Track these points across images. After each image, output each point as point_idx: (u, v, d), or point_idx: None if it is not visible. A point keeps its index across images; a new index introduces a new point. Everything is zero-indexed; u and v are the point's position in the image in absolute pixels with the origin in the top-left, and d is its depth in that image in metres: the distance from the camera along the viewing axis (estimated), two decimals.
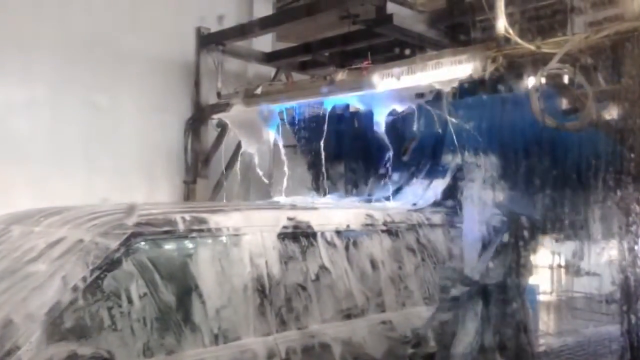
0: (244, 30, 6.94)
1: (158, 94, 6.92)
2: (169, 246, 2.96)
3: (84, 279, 2.65)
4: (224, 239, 3.11)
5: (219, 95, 6.92)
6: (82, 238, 2.81)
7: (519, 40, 4.18)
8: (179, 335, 2.83)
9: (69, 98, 6.21)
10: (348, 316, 3.44)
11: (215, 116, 6.84)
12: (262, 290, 3.15)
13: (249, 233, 3.20)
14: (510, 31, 4.25)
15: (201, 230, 3.05)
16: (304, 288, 3.32)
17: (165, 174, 6.96)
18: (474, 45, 4.62)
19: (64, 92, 6.18)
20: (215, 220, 3.12)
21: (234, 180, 6.83)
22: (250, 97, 6.49)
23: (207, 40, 7.04)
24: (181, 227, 2.99)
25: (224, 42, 7.04)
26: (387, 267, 3.67)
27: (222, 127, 6.90)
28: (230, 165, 6.92)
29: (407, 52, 6.18)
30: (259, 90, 6.64)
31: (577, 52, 4.03)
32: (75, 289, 2.61)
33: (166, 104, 6.95)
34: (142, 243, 2.85)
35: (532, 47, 4.14)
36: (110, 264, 2.73)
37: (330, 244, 3.49)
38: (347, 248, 3.56)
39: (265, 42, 7.52)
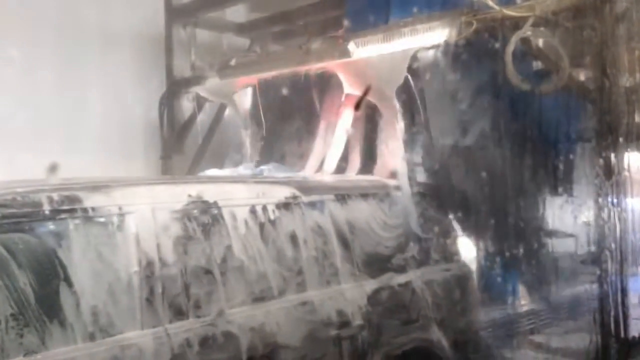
0: (216, 1, 6.36)
1: (131, 69, 6.36)
2: (30, 231, 2.39)
3: None
4: (102, 220, 2.53)
5: (192, 68, 6.34)
6: None
7: (493, 4, 3.89)
8: (42, 333, 2.29)
9: (38, 77, 5.72)
10: (261, 299, 2.85)
11: (191, 89, 6.28)
12: (152, 276, 2.58)
13: (135, 212, 2.61)
14: None
15: (72, 211, 2.47)
16: (207, 272, 2.73)
17: (141, 150, 6.43)
18: (448, 11, 4.23)
19: (33, 70, 5.68)
20: (93, 199, 2.54)
21: (209, 153, 6.28)
22: (224, 69, 5.96)
23: (178, 12, 6.41)
24: (47, 207, 2.42)
25: (195, 14, 6.42)
26: (308, 244, 3.03)
27: (198, 101, 6.33)
28: (207, 139, 6.38)
29: None
30: (233, 62, 6.12)
31: (551, 14, 3.79)
32: None
33: (140, 78, 6.39)
34: None
35: (505, 11, 3.84)
36: None
37: (240, 221, 2.87)
38: (261, 225, 2.94)
39: (238, 13, 6.86)
